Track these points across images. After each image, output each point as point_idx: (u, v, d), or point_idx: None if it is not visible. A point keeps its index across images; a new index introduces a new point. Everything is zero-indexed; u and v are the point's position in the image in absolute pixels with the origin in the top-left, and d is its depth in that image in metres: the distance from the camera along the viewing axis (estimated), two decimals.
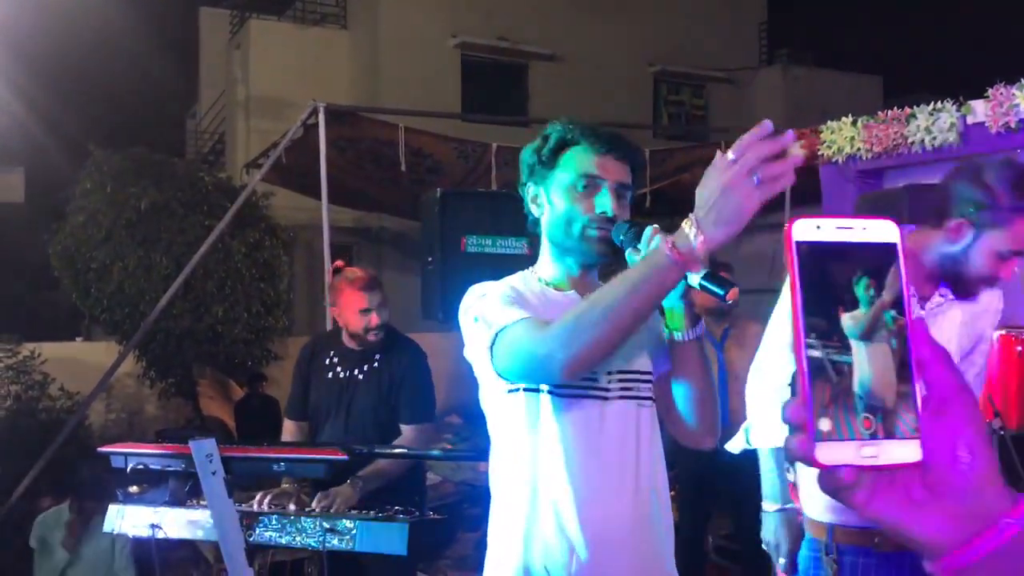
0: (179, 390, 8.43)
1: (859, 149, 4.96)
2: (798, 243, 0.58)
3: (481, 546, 5.48)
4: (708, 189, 1.40)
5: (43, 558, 4.34)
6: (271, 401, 7.88)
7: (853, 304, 0.58)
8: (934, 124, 4.61)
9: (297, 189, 8.21)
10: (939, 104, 4.70)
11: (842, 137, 5.07)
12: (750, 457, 4.10)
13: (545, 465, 1.65)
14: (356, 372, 3.13)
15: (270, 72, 12.90)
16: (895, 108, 4.89)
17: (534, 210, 1.75)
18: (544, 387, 1.65)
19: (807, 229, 0.59)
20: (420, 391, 3.10)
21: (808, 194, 6.05)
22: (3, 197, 13.70)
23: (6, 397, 7.27)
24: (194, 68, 16.47)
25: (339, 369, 3.16)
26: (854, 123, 5.04)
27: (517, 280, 1.75)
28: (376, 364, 3.12)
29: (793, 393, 0.58)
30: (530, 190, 1.75)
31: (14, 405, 7.22)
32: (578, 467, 1.64)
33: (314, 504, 2.62)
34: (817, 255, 0.58)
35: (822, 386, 0.57)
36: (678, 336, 1.60)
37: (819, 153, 5.25)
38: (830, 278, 0.58)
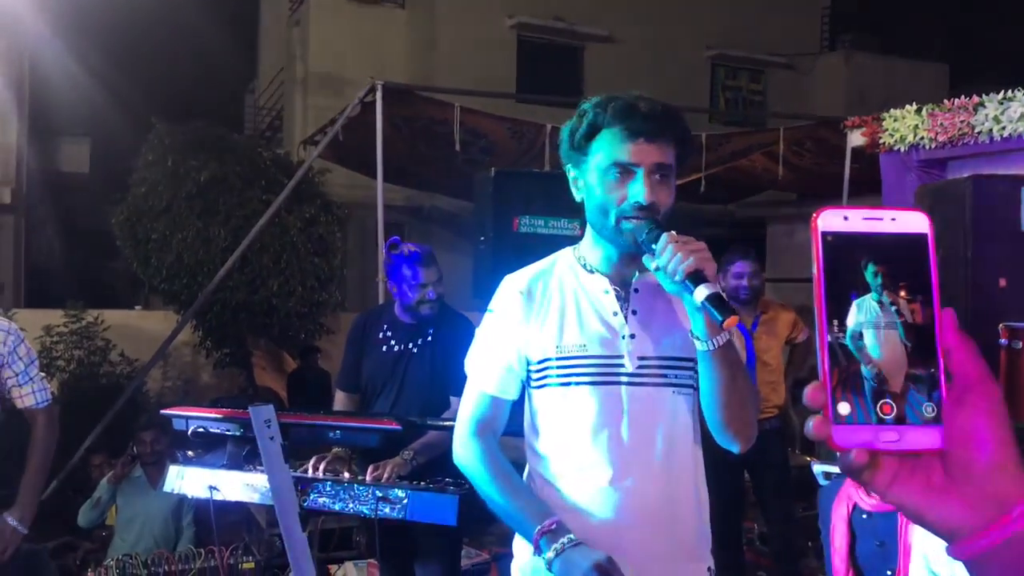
0: (234, 360, 8.61)
1: (922, 138, 4.85)
2: (823, 233, 0.61)
3: None
4: None
5: (93, 501, 4.57)
6: (323, 375, 8.01)
7: (864, 292, 0.60)
8: (1003, 113, 4.48)
9: (352, 166, 8.30)
10: (1009, 92, 4.56)
11: (905, 125, 4.96)
12: (773, 451, 4.05)
13: (563, 446, 1.68)
14: (410, 345, 3.18)
15: (328, 50, 13.02)
16: (962, 96, 4.77)
17: (575, 193, 1.72)
18: (570, 379, 1.66)
19: (834, 219, 0.61)
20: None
21: (867, 183, 5.94)
22: (70, 167, 14.06)
23: (70, 361, 7.51)
24: (254, 44, 16.70)
25: (393, 342, 3.21)
26: (918, 111, 4.92)
27: (547, 269, 1.77)
28: (429, 338, 3.17)
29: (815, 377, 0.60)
30: (571, 172, 1.71)
31: (77, 369, 7.47)
32: (596, 449, 1.65)
33: (367, 474, 2.68)
34: (842, 245, 0.60)
35: (842, 371, 0.59)
36: (698, 345, 1.55)
37: (880, 141, 5.15)
38: (854, 267, 0.60)
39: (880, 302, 0.60)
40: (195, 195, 7.82)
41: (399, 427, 2.28)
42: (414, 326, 3.19)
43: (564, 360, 1.66)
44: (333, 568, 4.36)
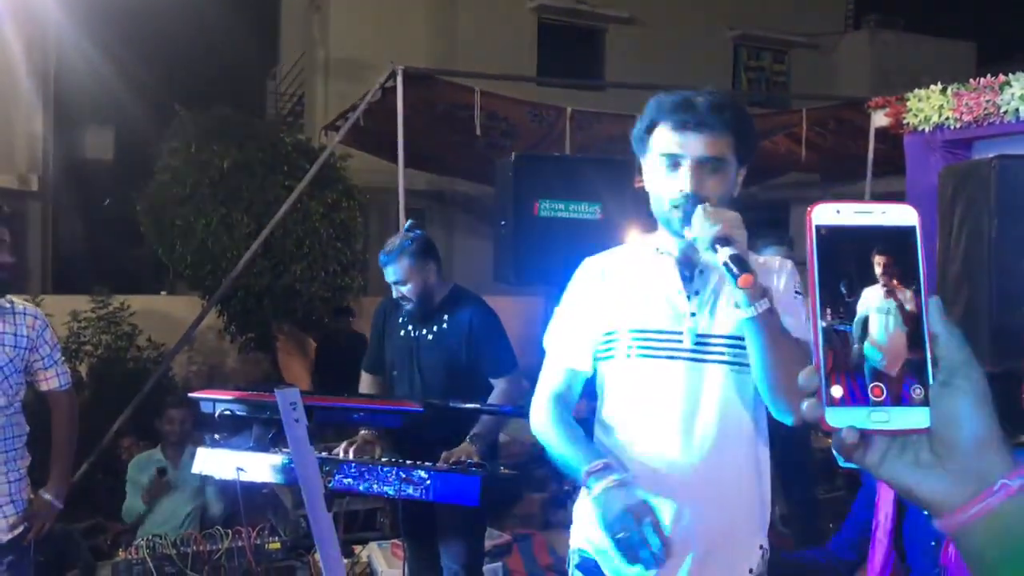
0: (258, 345, 8.69)
1: (947, 118, 4.79)
2: (817, 227, 0.64)
3: (547, 506, 5.57)
4: None
5: (133, 494, 4.63)
6: (358, 338, 7.83)
7: (868, 282, 0.63)
8: None
9: (374, 152, 8.32)
10: None
11: (930, 105, 4.90)
12: (796, 436, 4.04)
13: (623, 416, 1.80)
14: (424, 331, 3.23)
15: (349, 34, 13.03)
16: (989, 76, 4.70)
17: (645, 183, 1.83)
18: (631, 352, 1.77)
19: (827, 213, 0.65)
20: (497, 344, 3.19)
21: (891, 164, 5.88)
22: (95, 155, 14.22)
23: (97, 346, 7.61)
24: (275, 31, 16.73)
25: (409, 327, 3.27)
26: (943, 91, 4.86)
27: (621, 252, 1.91)
28: (444, 324, 3.21)
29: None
30: (641, 163, 1.84)
31: (105, 354, 7.56)
32: (652, 420, 1.75)
33: (440, 461, 2.73)
34: (835, 237, 0.64)
35: (835, 356, 0.62)
36: (739, 313, 1.62)
37: (904, 122, 5.09)
38: (847, 258, 0.63)
39: (886, 289, 0.63)
40: (218, 181, 7.87)
41: (421, 409, 2.31)
42: (428, 312, 3.23)
43: (629, 334, 1.78)
44: (358, 548, 4.42)
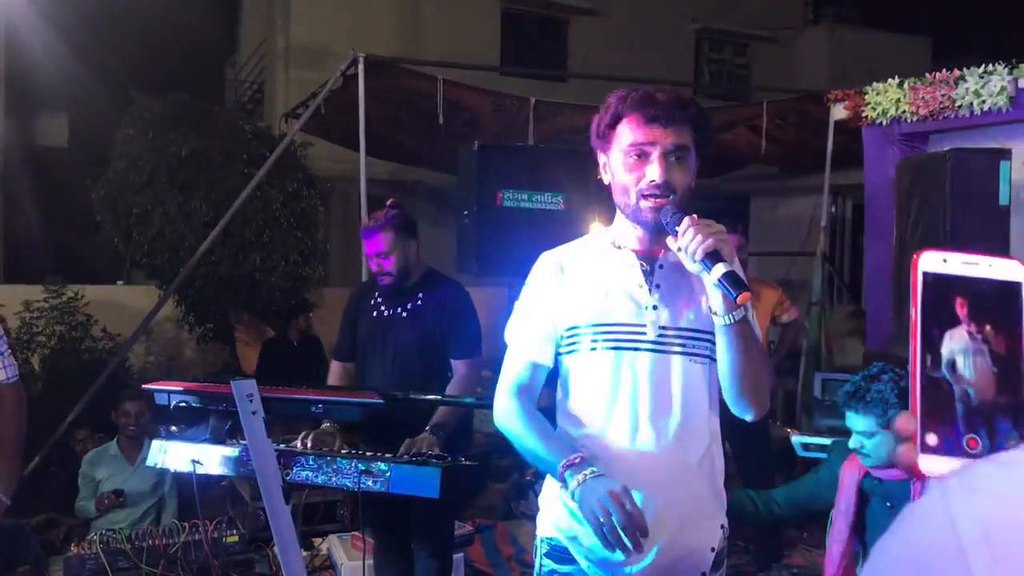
0: (217, 335, 8.57)
1: (904, 112, 4.87)
2: (924, 273, 0.64)
3: (509, 496, 5.55)
4: None
5: (86, 490, 4.52)
6: (313, 342, 7.39)
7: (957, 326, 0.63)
8: (983, 87, 4.50)
9: (335, 140, 8.23)
10: (990, 67, 4.58)
11: (887, 99, 4.97)
12: (755, 426, 4.11)
13: (588, 407, 1.82)
14: (399, 310, 3.23)
15: (310, 21, 12.86)
16: (944, 70, 4.78)
17: (604, 177, 1.86)
18: (596, 345, 1.80)
19: (934, 261, 0.64)
20: (468, 323, 3.22)
21: (850, 156, 5.96)
22: (47, 141, 13.87)
23: (51, 336, 7.45)
24: (235, 16, 16.47)
25: (383, 308, 3.28)
26: (900, 85, 4.94)
27: (579, 247, 1.93)
28: (419, 302, 3.21)
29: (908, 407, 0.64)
30: (599, 158, 1.86)
31: (58, 344, 7.40)
32: (617, 409, 1.78)
33: (400, 451, 2.72)
34: (940, 285, 0.64)
35: (931, 403, 0.62)
36: (716, 320, 1.69)
37: (863, 115, 5.16)
38: (950, 307, 0.63)
39: (970, 332, 0.63)
40: (176, 169, 7.73)
41: (381, 401, 2.29)
42: (402, 292, 3.24)
43: (592, 327, 1.81)
44: (317, 541, 4.38)
